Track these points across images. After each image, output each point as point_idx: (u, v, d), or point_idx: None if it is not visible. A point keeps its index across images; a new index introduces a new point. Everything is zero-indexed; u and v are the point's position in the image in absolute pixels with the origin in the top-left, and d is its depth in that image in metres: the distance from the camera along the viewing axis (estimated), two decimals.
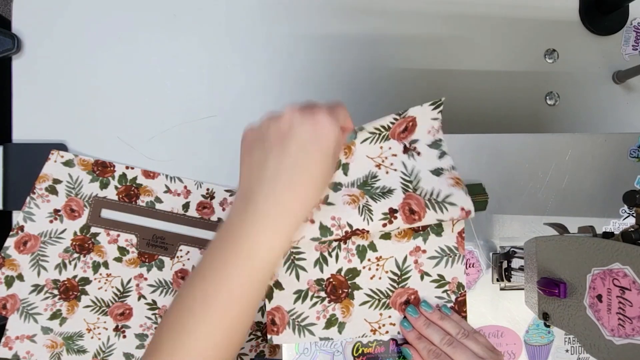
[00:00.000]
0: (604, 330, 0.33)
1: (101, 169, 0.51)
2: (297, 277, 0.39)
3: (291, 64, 0.63)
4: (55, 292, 0.50)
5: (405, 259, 0.40)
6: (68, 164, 0.50)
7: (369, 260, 0.40)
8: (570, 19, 0.68)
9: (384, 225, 0.36)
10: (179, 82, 0.61)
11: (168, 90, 0.61)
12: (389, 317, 0.40)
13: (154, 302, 0.53)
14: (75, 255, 0.51)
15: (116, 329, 0.52)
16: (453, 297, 0.41)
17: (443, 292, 0.41)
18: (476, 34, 0.66)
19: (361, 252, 0.40)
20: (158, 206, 0.52)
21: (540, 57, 0.67)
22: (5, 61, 0.58)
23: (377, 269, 0.40)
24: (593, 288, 0.34)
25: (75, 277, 0.51)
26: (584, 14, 0.67)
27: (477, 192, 0.48)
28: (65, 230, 0.51)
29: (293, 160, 0.30)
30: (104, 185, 0.51)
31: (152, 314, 0.53)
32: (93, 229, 0.52)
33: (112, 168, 0.51)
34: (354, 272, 0.40)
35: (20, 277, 0.49)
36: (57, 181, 0.50)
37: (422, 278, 0.41)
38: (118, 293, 0.52)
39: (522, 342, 0.49)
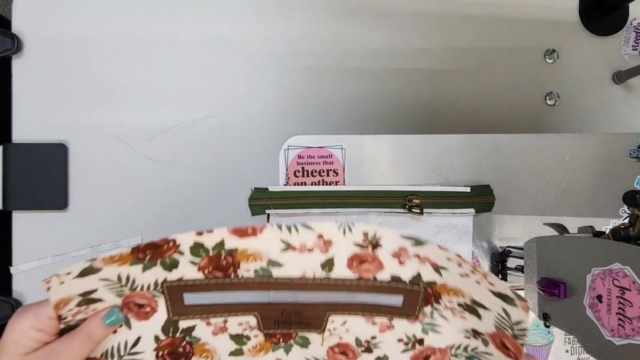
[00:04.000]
0: (603, 331, 0.33)
1: (152, 252, 0.28)
2: None
3: (291, 64, 0.63)
4: None
5: None
6: (88, 272, 0.27)
7: None
8: (570, 19, 0.68)
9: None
10: (179, 82, 0.61)
11: (168, 90, 0.61)
12: None
13: None
14: None
15: None
16: None
17: None
18: (476, 34, 0.66)
19: None
20: (277, 272, 0.29)
21: (540, 57, 0.67)
22: (5, 61, 0.58)
23: None
24: (593, 288, 0.34)
25: None
26: (584, 14, 0.67)
27: (485, 194, 0.48)
28: (139, 338, 0.31)
29: None
30: (170, 267, 0.29)
31: None
32: (183, 323, 0.31)
33: (171, 244, 0.28)
34: None
35: None
36: (89, 292, 0.29)
37: None
38: None
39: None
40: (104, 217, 0.60)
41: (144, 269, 0.28)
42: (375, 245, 0.28)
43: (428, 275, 0.30)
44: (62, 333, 0.29)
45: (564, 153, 0.49)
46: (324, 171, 0.50)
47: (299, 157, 0.50)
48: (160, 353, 0.31)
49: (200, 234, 0.28)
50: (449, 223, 0.49)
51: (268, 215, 0.48)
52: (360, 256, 0.29)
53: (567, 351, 0.49)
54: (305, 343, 0.33)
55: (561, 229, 0.42)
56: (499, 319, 0.29)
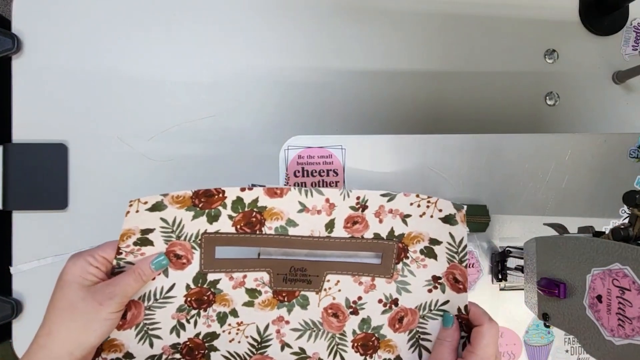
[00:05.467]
0: (603, 331, 0.33)
1: (205, 200, 0.36)
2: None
3: (291, 64, 0.63)
4: (177, 355, 0.40)
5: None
6: (157, 207, 0.37)
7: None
8: (570, 19, 0.68)
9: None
10: (179, 82, 0.61)
11: (168, 90, 0.61)
12: None
13: (302, 349, 0.40)
14: (194, 311, 0.39)
15: None
16: None
17: None
18: (476, 34, 0.66)
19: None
20: (292, 231, 0.38)
21: (540, 57, 0.67)
22: (5, 61, 0.58)
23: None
24: (593, 288, 0.34)
25: (198, 334, 0.39)
26: (584, 14, 0.67)
27: (480, 214, 0.48)
28: (174, 285, 0.38)
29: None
30: (213, 218, 0.37)
31: None
32: (210, 276, 0.38)
33: (221, 195, 0.36)
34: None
35: (128, 356, 0.38)
36: (147, 231, 0.37)
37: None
38: (255, 343, 0.40)
39: (522, 342, 0.49)
40: (104, 217, 0.59)
41: (194, 217, 0.36)
42: (364, 207, 0.38)
43: (399, 228, 0.38)
44: (111, 275, 0.36)
45: (564, 153, 0.49)
46: (324, 171, 0.50)
47: (299, 157, 0.50)
48: (189, 299, 0.38)
49: (242, 189, 0.36)
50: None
51: None
52: (353, 217, 0.38)
53: (567, 351, 0.49)
54: (305, 303, 0.40)
55: (561, 229, 0.42)
56: (448, 249, 0.38)
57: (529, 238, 0.42)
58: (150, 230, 0.37)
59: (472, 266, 0.48)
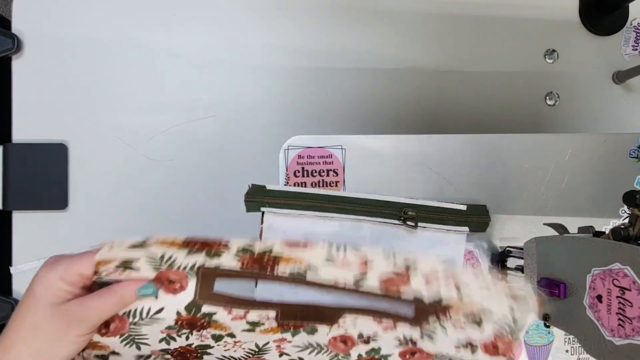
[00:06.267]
0: (603, 331, 0.33)
1: (201, 244, 0.31)
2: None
3: (291, 64, 0.63)
4: (168, 356, 0.36)
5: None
6: (139, 246, 0.31)
7: (225, 342, 0.35)
8: (570, 19, 0.68)
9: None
10: (179, 82, 0.61)
11: (168, 90, 0.61)
12: None
13: (301, 359, 0.38)
14: (186, 330, 0.34)
15: None
16: None
17: None
18: (476, 34, 0.66)
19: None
20: (311, 276, 0.32)
21: (540, 57, 0.67)
22: (5, 61, 0.58)
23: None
24: (593, 288, 0.34)
25: (190, 345, 0.35)
26: (584, 14, 0.67)
27: (480, 214, 0.48)
28: (162, 308, 0.32)
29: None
30: (213, 256, 0.31)
31: None
32: (206, 308, 0.33)
33: (223, 243, 0.31)
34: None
35: (115, 354, 0.34)
36: (129, 261, 0.31)
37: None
38: (252, 352, 0.37)
39: (522, 342, 0.49)
40: (104, 217, 0.60)
41: (188, 254, 0.31)
42: (411, 268, 0.33)
43: (448, 293, 0.34)
44: (89, 289, 0.31)
45: (564, 153, 0.49)
46: (324, 171, 0.50)
47: (299, 157, 0.50)
48: (180, 322, 0.33)
49: (252, 243, 0.31)
50: (442, 239, 0.48)
51: (262, 213, 0.48)
52: (393, 280, 0.33)
53: (567, 351, 0.49)
54: (312, 331, 0.36)
55: (561, 229, 0.42)
56: (501, 321, 0.34)
57: (529, 238, 0.42)
58: (136, 260, 0.31)
59: (472, 266, 0.48)
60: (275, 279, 0.32)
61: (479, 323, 0.34)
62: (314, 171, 0.50)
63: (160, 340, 0.34)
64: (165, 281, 0.32)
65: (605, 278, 0.33)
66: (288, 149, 0.49)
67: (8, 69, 0.58)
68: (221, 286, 0.32)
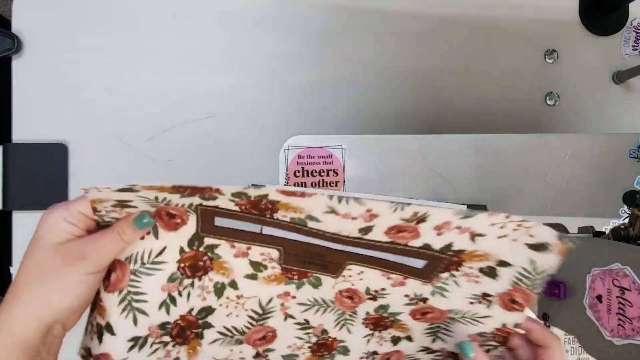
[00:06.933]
0: (604, 331, 0.33)
1: (191, 189, 0.28)
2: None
3: (291, 64, 0.63)
4: (167, 338, 0.34)
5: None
6: (127, 190, 0.28)
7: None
8: (570, 19, 0.68)
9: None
10: (179, 82, 0.61)
11: (168, 90, 0.61)
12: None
13: (307, 321, 0.36)
14: (187, 281, 0.32)
15: (256, 355, 0.37)
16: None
17: (305, 334, 0.37)
18: (476, 34, 0.66)
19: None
20: (311, 224, 0.30)
21: (540, 57, 0.67)
22: (5, 61, 0.58)
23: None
24: (593, 288, 0.34)
25: (191, 310, 0.33)
26: (584, 14, 0.67)
27: None
28: (165, 248, 0.31)
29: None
30: (208, 199, 0.29)
31: (305, 334, 0.37)
32: (208, 240, 0.32)
33: (214, 189, 0.28)
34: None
35: (109, 329, 0.32)
36: (124, 202, 0.29)
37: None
38: (256, 316, 0.35)
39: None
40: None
41: (181, 197, 0.29)
42: (421, 219, 0.29)
43: (460, 243, 0.31)
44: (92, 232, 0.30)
45: (564, 153, 0.49)
46: (324, 171, 0.50)
47: (299, 157, 0.50)
48: (182, 265, 0.32)
49: (246, 188, 0.28)
50: None
51: None
52: (400, 226, 0.30)
53: (567, 351, 0.49)
54: (317, 284, 0.34)
55: (561, 229, 0.42)
56: (519, 272, 0.32)
57: None
58: (130, 201, 0.29)
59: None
60: (275, 225, 0.30)
61: (495, 276, 0.33)
62: (314, 171, 0.50)
63: (160, 306, 0.32)
64: (165, 216, 0.30)
65: (605, 278, 0.33)
66: (288, 149, 0.49)
67: (8, 69, 0.58)
68: (221, 221, 0.31)
